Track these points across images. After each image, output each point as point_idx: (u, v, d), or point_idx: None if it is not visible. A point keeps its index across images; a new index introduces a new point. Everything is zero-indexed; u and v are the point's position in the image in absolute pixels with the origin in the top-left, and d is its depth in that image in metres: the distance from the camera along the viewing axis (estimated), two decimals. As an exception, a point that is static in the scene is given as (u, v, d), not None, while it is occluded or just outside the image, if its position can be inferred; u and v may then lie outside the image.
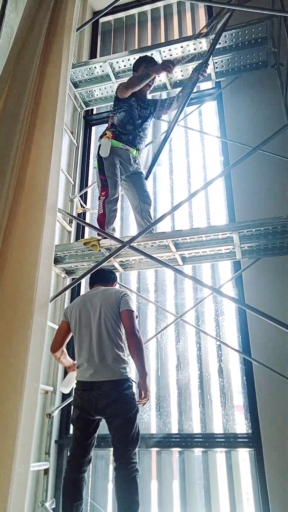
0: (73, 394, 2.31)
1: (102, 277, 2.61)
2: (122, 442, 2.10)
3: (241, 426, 2.82)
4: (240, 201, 3.26)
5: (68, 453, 2.25)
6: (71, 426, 2.34)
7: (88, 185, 4.00)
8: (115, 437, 2.12)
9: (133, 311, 2.34)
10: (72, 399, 3.03)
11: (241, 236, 2.53)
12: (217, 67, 3.63)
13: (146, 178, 3.07)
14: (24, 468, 1.48)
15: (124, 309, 2.34)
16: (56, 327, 3.14)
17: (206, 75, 3.11)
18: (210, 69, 3.66)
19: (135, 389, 2.25)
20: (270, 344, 2.74)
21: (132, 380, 2.27)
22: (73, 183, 3.83)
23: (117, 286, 2.71)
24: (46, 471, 2.79)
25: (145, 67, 3.01)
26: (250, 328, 2.87)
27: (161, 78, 3.75)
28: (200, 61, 3.12)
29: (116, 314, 2.35)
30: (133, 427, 2.13)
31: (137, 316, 2.37)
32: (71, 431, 3.10)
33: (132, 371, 2.29)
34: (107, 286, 2.57)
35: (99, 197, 2.80)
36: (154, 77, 2.97)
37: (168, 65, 2.85)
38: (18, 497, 1.41)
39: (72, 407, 2.32)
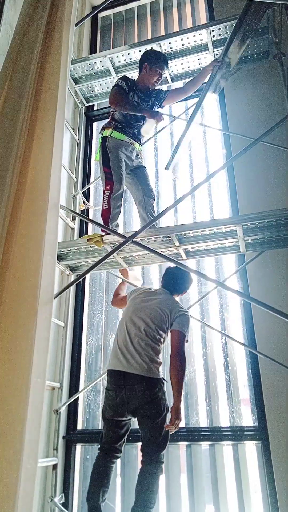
0: (105, 391, 2.31)
1: (174, 285, 2.58)
2: (153, 443, 2.15)
3: (248, 419, 2.82)
4: (243, 194, 3.24)
5: (99, 444, 2.27)
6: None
7: (91, 182, 3.99)
8: (146, 437, 2.17)
9: (185, 335, 2.30)
10: (79, 395, 3.06)
11: (244, 229, 2.51)
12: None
13: (167, 168, 3.04)
14: (32, 464, 1.49)
15: (177, 329, 2.30)
16: (61, 323, 3.18)
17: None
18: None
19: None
20: (275, 337, 2.73)
21: (164, 380, 2.27)
22: (75, 179, 3.83)
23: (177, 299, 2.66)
24: (54, 467, 2.81)
25: (159, 68, 2.92)
26: (255, 321, 2.87)
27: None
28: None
29: (163, 328, 2.32)
30: (163, 429, 2.16)
31: (187, 341, 2.32)
32: (78, 427, 3.14)
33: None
34: (172, 295, 2.54)
35: (103, 191, 2.78)
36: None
37: (159, 117, 2.78)
38: (27, 492, 1.42)
39: (103, 404, 2.32)
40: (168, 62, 2.99)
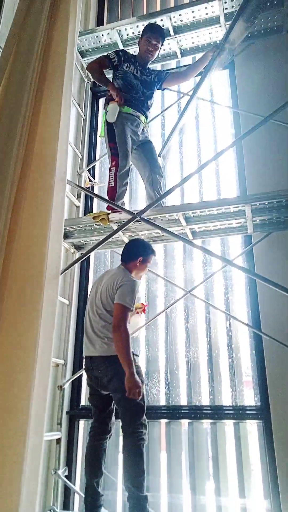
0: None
1: (124, 254, 2.54)
2: (126, 415, 2.19)
3: (250, 398, 2.84)
4: (252, 173, 3.18)
5: (90, 426, 2.40)
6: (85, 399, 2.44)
7: (96, 159, 3.92)
8: (119, 411, 2.24)
9: (123, 306, 2.22)
10: (82, 372, 3.09)
11: (253, 209, 2.47)
12: (229, 33, 3.47)
13: (159, 155, 2.99)
14: (37, 438, 1.51)
15: (116, 301, 2.26)
16: (66, 301, 3.18)
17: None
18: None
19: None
20: (280, 318, 2.72)
21: (134, 354, 2.26)
22: (81, 157, 3.77)
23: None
24: (58, 441, 2.87)
25: (148, 37, 2.87)
26: (260, 302, 2.85)
27: (171, 46, 3.62)
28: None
29: (109, 303, 2.32)
30: (132, 400, 2.14)
31: (131, 310, 2.27)
32: (82, 403, 3.18)
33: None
34: (126, 264, 2.49)
35: (109, 168, 2.73)
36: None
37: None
38: (33, 464, 1.45)
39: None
40: (163, 33, 2.97)
